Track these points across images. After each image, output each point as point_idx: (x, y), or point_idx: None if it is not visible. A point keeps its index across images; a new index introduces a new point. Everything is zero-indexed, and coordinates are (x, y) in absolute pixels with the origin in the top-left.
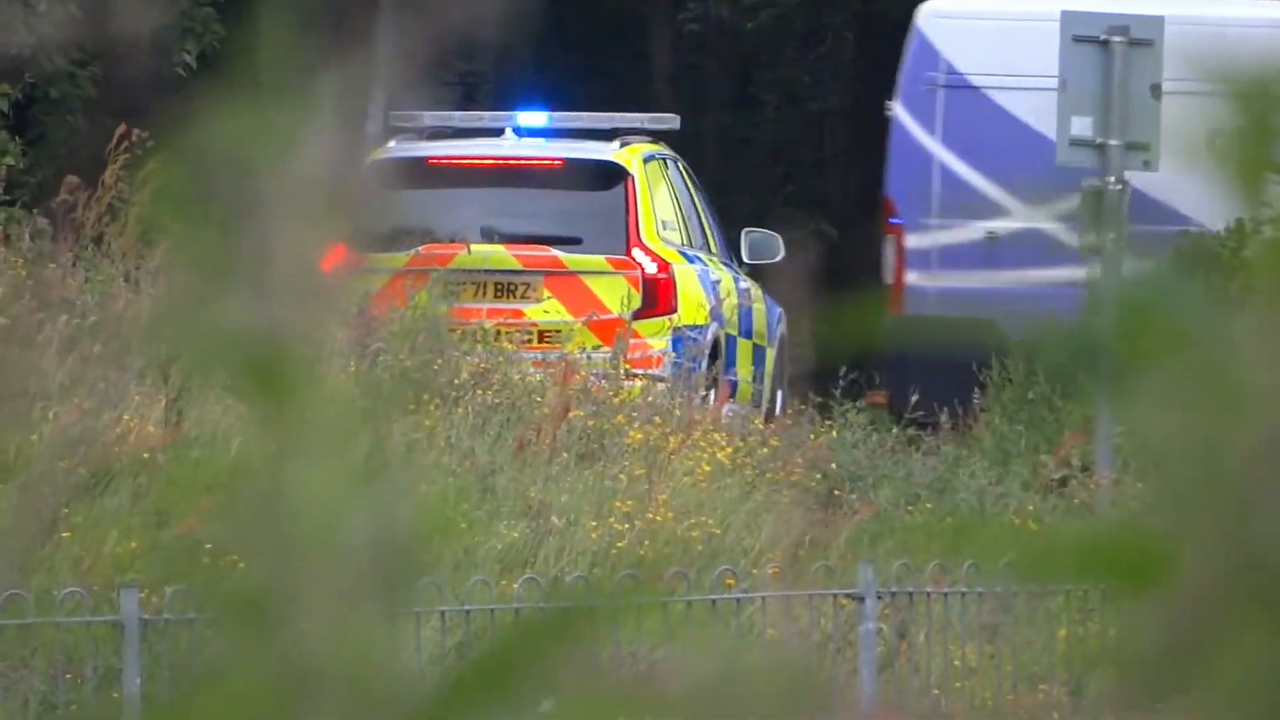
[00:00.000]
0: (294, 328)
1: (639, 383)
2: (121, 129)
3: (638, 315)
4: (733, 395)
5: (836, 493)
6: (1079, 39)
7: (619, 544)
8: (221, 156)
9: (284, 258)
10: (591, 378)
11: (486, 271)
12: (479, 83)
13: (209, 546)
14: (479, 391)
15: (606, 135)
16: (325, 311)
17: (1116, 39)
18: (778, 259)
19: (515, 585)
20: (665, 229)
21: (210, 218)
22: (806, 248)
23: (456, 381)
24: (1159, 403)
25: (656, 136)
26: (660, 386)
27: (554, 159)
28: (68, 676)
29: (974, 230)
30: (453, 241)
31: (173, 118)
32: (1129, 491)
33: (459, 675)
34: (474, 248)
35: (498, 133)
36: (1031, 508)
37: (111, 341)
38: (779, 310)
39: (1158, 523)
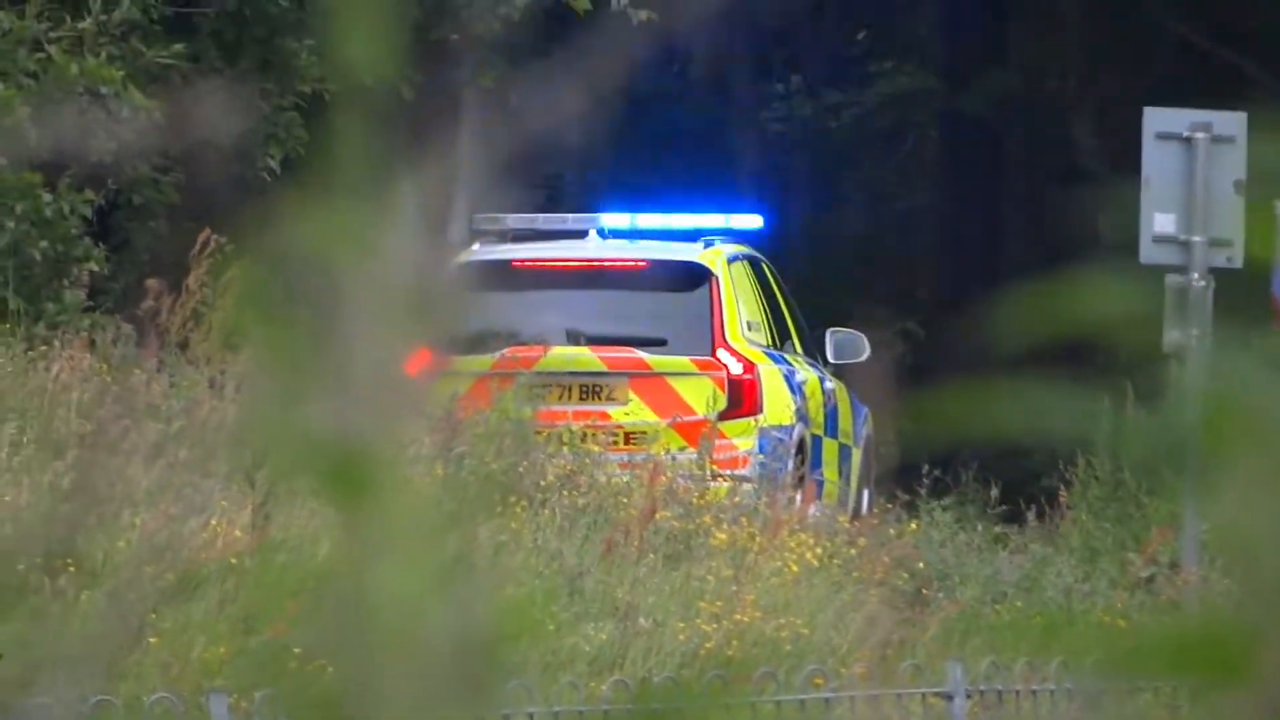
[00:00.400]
0: (377, 431)
1: (725, 483)
2: (205, 234)
3: (723, 416)
4: (819, 495)
5: (924, 591)
6: (1161, 136)
7: (707, 644)
8: (303, 260)
9: (367, 361)
10: (677, 479)
11: (571, 374)
12: (563, 185)
13: (297, 651)
14: (565, 493)
15: (691, 236)
16: (408, 415)
17: (1199, 135)
18: (863, 358)
19: (604, 687)
20: (750, 329)
21: (293, 322)
22: (892, 347)
23: (543, 483)
24: (1242, 497)
25: (741, 237)
26: (746, 487)
27: (638, 260)
28: None
29: None
30: (537, 344)
31: (255, 222)
32: (1216, 588)
33: None
34: (559, 350)
35: (582, 234)
36: (1119, 605)
37: (197, 447)
38: (865, 410)
39: (1241, 618)
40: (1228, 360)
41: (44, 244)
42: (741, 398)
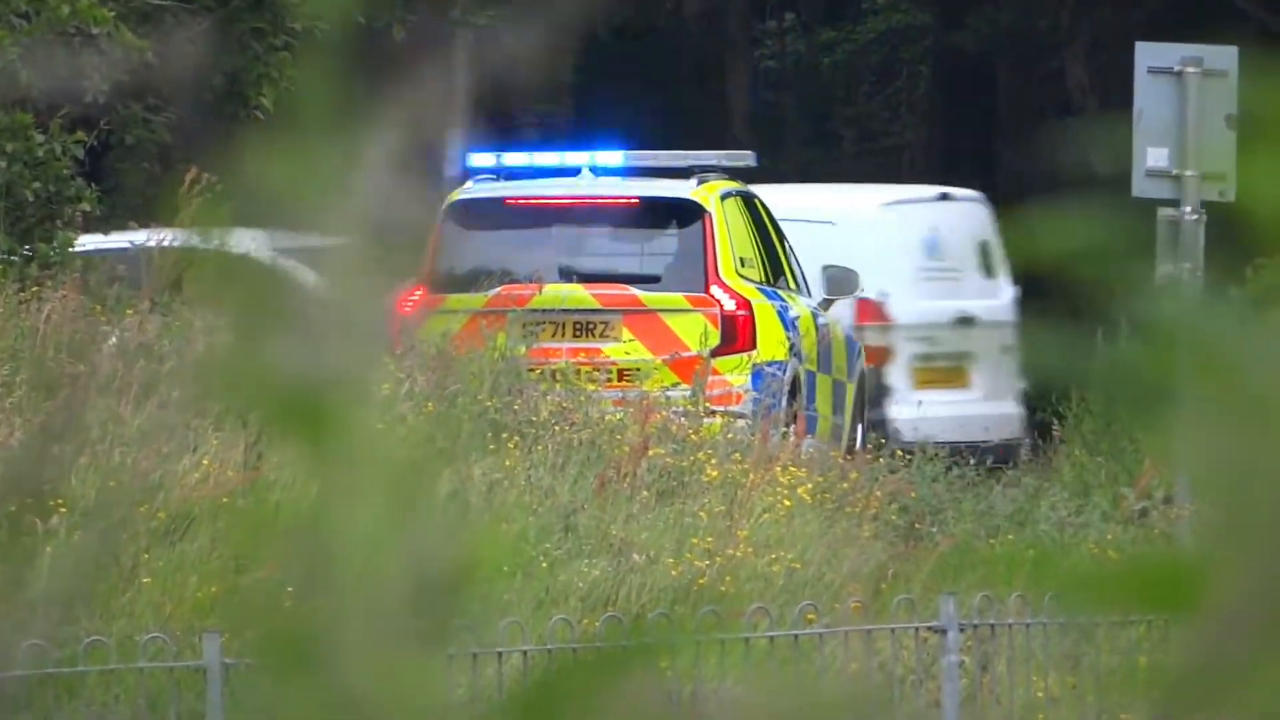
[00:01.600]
0: (343, 367)
1: (719, 420)
2: (193, 173)
3: (717, 352)
4: (812, 431)
5: (917, 526)
6: (1154, 71)
7: (700, 580)
8: (273, 195)
9: (330, 296)
10: (671, 415)
11: (565, 311)
12: (556, 123)
13: (288, 590)
14: (559, 430)
15: (684, 173)
16: (371, 351)
17: (1191, 70)
18: (856, 294)
19: (597, 623)
20: (744, 266)
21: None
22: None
23: (536, 420)
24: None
25: (734, 174)
26: (740, 423)
27: (631, 198)
28: None
29: None
30: (531, 282)
31: (246, 162)
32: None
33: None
34: (552, 287)
35: (575, 172)
36: (1111, 538)
37: (189, 387)
38: (858, 345)
39: (1199, 548)
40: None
41: (36, 185)
42: (735, 334)
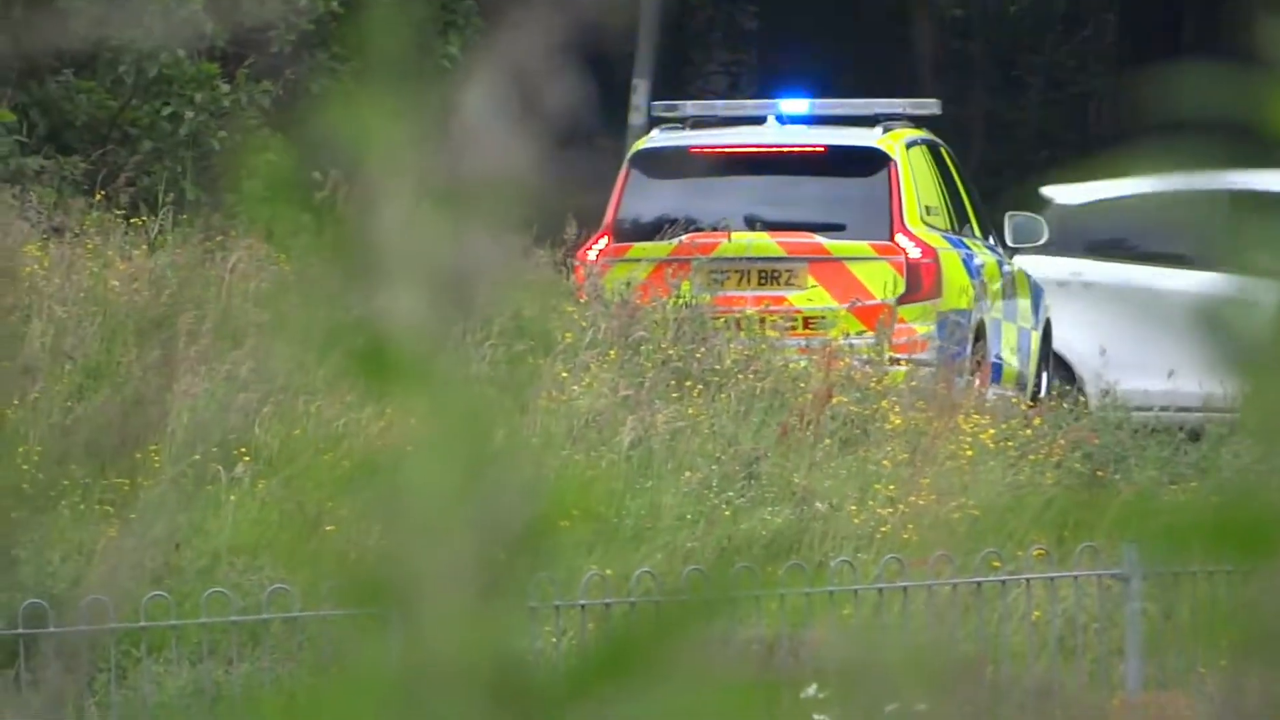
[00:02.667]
0: (420, 320)
1: (903, 368)
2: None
3: (902, 300)
4: (997, 379)
5: (1100, 473)
6: None
7: (883, 528)
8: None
9: (411, 249)
10: (855, 363)
11: (750, 259)
12: (743, 71)
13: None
14: (743, 379)
15: (869, 121)
16: (458, 305)
17: None
18: (1042, 242)
19: (780, 571)
20: (929, 214)
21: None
22: None
23: (720, 369)
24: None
25: (919, 122)
26: (924, 371)
27: (817, 146)
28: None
29: None
30: (716, 230)
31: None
32: None
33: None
34: (737, 235)
35: (760, 120)
36: None
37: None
38: (1043, 293)
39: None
40: None
41: (222, 134)
42: (920, 282)
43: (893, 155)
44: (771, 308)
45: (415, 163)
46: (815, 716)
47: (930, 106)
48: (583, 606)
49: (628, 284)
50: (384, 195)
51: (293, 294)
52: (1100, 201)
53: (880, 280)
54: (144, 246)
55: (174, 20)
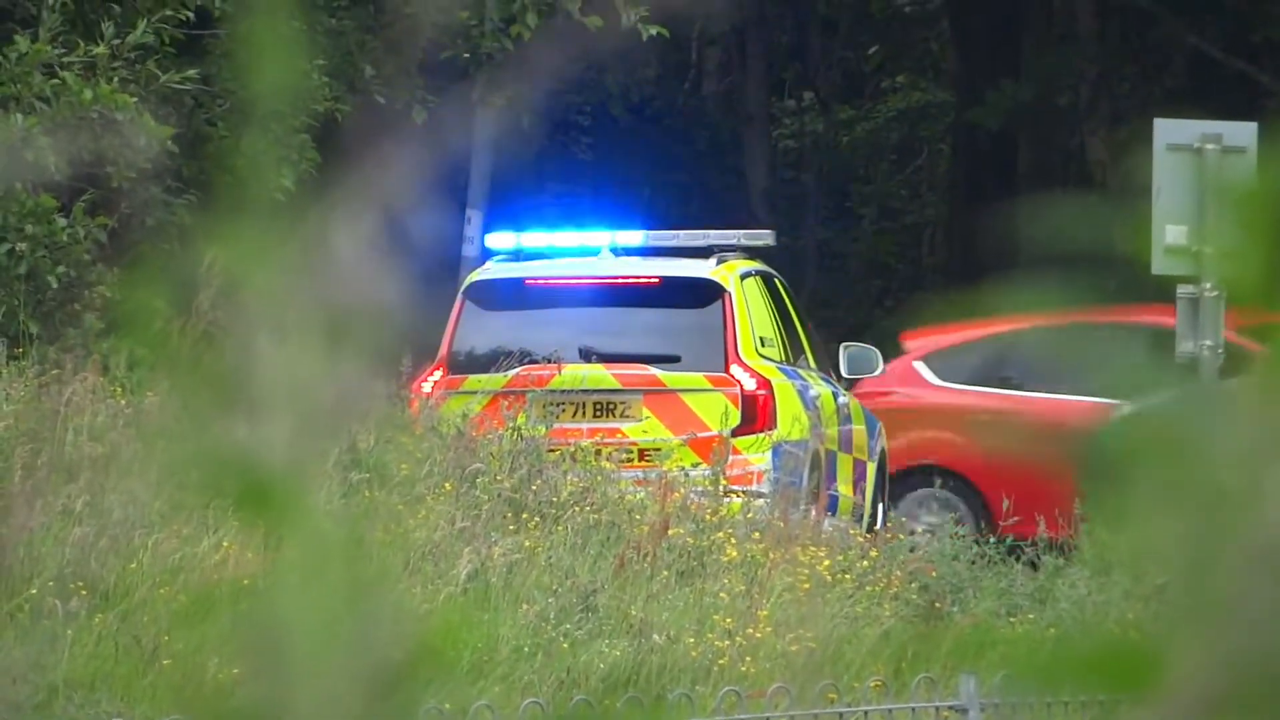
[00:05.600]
0: (293, 451)
1: (739, 499)
2: (212, 255)
3: (737, 432)
4: (833, 510)
5: (937, 604)
6: (1172, 147)
7: (721, 660)
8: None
9: (282, 380)
10: (691, 495)
11: (585, 391)
12: (577, 202)
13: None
14: (579, 510)
15: (704, 253)
16: (325, 435)
17: (1210, 146)
18: (877, 373)
19: (618, 704)
20: (763, 345)
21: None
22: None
23: (556, 500)
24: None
25: (753, 253)
26: (759, 503)
27: (651, 277)
28: None
29: None
30: (551, 362)
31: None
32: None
33: None
34: (573, 368)
35: (594, 252)
36: (1132, 617)
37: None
38: (878, 424)
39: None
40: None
41: (60, 269)
42: (755, 413)
43: (727, 286)
44: (607, 440)
45: (269, 291)
46: None
47: (764, 237)
48: None
49: (463, 416)
50: (240, 325)
51: (152, 427)
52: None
53: (715, 412)
54: None
55: (18, 159)
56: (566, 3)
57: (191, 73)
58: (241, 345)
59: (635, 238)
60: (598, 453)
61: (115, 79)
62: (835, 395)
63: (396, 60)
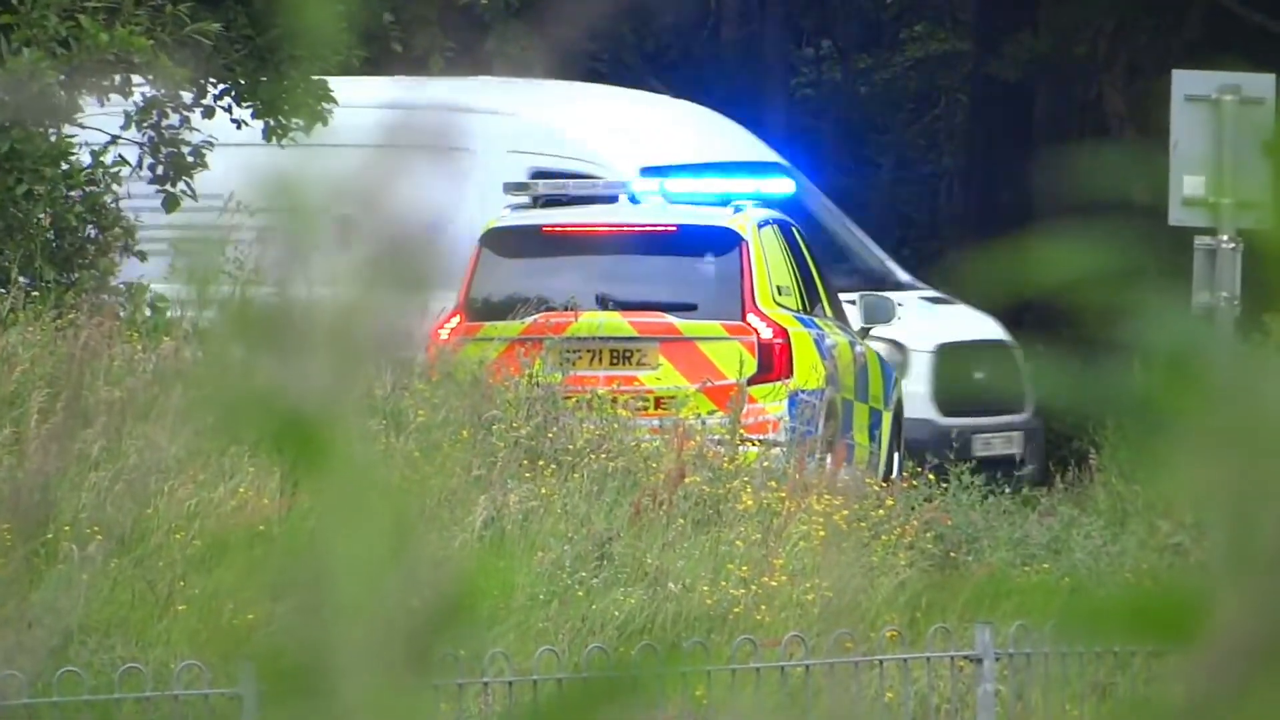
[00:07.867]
0: (331, 392)
1: (754, 448)
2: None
3: (753, 380)
4: (849, 459)
5: (953, 554)
6: (1190, 98)
7: (735, 609)
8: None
9: (324, 321)
10: (707, 443)
11: (602, 339)
12: None
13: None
14: (594, 458)
15: (721, 202)
16: (366, 376)
17: (1228, 97)
18: (892, 322)
19: (633, 652)
20: (780, 294)
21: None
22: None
23: (572, 448)
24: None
25: (771, 202)
26: (775, 451)
27: (668, 225)
28: None
29: None
30: (567, 309)
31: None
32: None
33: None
34: (589, 315)
35: (612, 199)
36: (1146, 567)
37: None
38: (894, 373)
39: (1192, 580)
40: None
41: (79, 209)
42: (771, 362)
43: (744, 235)
44: (623, 387)
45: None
46: None
47: (782, 186)
48: (436, 687)
49: (480, 363)
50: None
51: (170, 371)
52: None
53: (732, 360)
54: None
55: (35, 98)
56: None
57: (215, 25)
58: (279, 283)
59: (653, 185)
60: (614, 400)
61: (138, 26)
62: (851, 344)
63: (415, 7)
